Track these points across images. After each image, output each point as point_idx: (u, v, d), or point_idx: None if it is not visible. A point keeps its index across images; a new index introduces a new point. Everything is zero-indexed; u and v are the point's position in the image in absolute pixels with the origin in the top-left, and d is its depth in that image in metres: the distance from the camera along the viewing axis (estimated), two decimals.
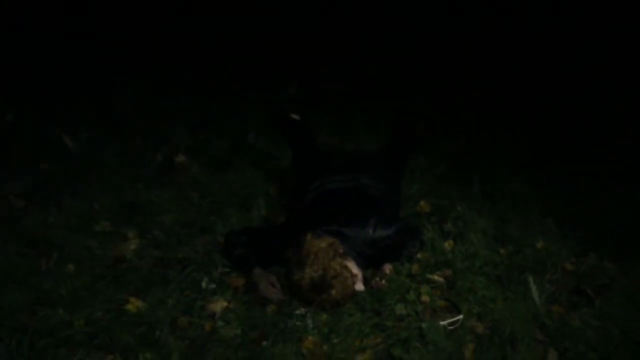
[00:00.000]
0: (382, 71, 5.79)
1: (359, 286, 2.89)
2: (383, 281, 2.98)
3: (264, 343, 2.65)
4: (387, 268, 3.06)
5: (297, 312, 2.82)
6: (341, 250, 2.86)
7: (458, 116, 4.97)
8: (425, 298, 2.91)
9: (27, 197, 3.69)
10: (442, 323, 2.76)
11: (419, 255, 3.17)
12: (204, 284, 2.99)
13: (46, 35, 6.18)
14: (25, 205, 3.61)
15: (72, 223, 3.45)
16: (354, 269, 2.88)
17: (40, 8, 6.60)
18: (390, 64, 5.95)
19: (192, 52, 6.15)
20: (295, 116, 4.14)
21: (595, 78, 5.58)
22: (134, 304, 2.83)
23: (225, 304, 2.86)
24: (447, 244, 3.27)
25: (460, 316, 2.80)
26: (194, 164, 4.17)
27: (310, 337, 2.67)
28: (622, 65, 5.73)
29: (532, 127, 4.82)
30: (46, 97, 5.08)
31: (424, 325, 2.72)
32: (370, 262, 3.07)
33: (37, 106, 4.89)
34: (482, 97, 5.31)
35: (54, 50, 5.94)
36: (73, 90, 5.21)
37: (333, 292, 2.77)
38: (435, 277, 3.05)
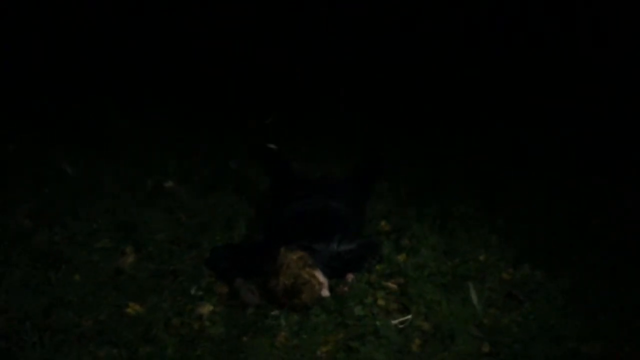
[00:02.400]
0: (351, 106, 6.26)
1: (325, 292, 3.38)
2: (346, 288, 3.47)
3: (244, 338, 3.13)
4: (350, 277, 3.55)
5: (272, 313, 3.30)
6: (310, 262, 3.34)
7: (415, 146, 5.42)
8: (380, 302, 3.40)
9: (33, 217, 4.15)
10: (394, 322, 3.25)
11: (377, 267, 3.69)
12: (193, 291, 3.46)
13: (43, 68, 6.65)
14: (33, 225, 4.06)
15: (75, 240, 3.92)
16: (321, 277, 3.36)
17: (38, 40, 7.08)
18: (358, 101, 6.42)
19: (177, 85, 6.61)
20: (272, 146, 4.63)
21: (547, 109, 6.09)
22: (134, 308, 3.32)
23: (211, 307, 3.34)
24: (401, 257, 3.76)
25: (409, 316, 3.29)
26: (182, 188, 4.61)
27: (282, 333, 3.16)
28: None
29: (479, 155, 5.28)
30: (45, 127, 5.55)
31: (378, 323, 3.21)
32: (335, 273, 3.53)
33: (37, 136, 5.36)
34: (434, 129, 5.79)
35: (51, 82, 6.40)
36: (70, 120, 5.69)
37: (303, 296, 3.27)
38: (390, 285, 3.54)
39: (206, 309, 3.33)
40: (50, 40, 7.12)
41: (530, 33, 7.21)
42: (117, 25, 7.44)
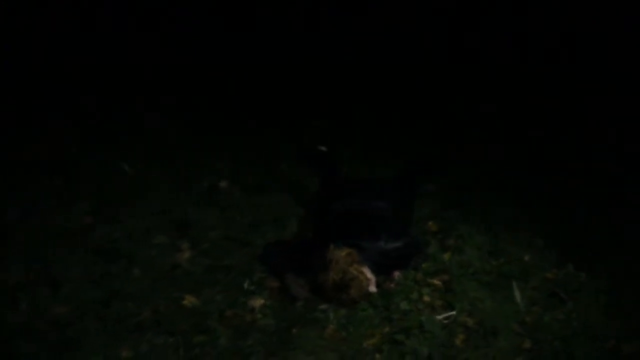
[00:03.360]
0: (400, 110, 6.39)
1: (372, 288, 3.49)
2: (392, 284, 3.61)
3: (294, 330, 3.27)
4: (396, 274, 3.67)
5: (321, 307, 3.43)
6: (357, 259, 3.45)
7: (462, 150, 5.48)
8: (426, 298, 3.51)
9: (94, 214, 4.38)
10: (439, 317, 3.36)
11: (423, 264, 3.79)
12: (245, 285, 3.62)
13: (104, 74, 6.97)
14: (94, 222, 4.30)
15: (134, 236, 4.14)
16: (368, 273, 3.48)
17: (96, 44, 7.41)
18: (408, 105, 6.56)
19: (228, 90, 6.87)
20: (322, 148, 4.77)
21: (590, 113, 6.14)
22: (189, 300, 3.50)
23: (262, 301, 3.50)
24: (446, 256, 3.85)
25: (454, 312, 3.40)
26: (235, 189, 4.79)
27: (330, 326, 3.30)
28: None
29: (523, 160, 5.34)
30: (105, 130, 5.83)
31: (423, 318, 3.32)
32: (382, 270, 3.64)
33: (98, 138, 5.65)
34: (481, 135, 5.85)
35: (111, 89, 6.71)
36: (128, 124, 5.97)
37: (351, 291, 3.38)
38: (435, 282, 3.64)
39: (258, 302, 3.50)
40: (111, 47, 7.44)
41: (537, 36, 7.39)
42: (175, 33, 7.73)
